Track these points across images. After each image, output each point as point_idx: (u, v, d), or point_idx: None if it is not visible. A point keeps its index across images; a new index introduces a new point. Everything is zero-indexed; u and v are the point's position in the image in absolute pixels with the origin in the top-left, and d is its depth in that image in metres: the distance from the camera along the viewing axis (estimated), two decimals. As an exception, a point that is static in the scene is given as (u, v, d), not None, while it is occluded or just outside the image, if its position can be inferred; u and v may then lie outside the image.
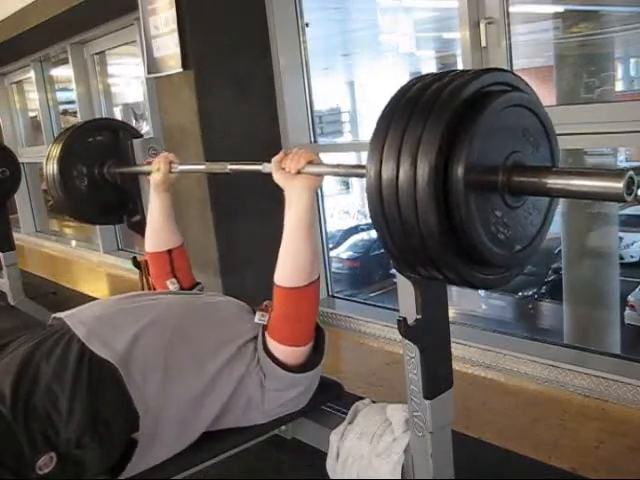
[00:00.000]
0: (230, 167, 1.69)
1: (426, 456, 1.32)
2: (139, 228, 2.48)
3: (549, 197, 1.08)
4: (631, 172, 0.86)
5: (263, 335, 1.50)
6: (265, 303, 1.61)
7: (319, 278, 1.48)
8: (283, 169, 1.44)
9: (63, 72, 4.79)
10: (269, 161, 1.48)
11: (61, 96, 5.11)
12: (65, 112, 5.19)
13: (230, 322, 1.57)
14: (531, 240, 1.09)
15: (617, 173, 0.87)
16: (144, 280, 2.38)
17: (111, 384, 1.35)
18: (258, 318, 1.52)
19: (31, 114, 5.62)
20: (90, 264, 4.82)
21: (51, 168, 2.24)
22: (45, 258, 5.41)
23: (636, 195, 0.86)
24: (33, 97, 5.25)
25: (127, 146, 2.28)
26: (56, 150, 2.25)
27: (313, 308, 1.50)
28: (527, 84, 1.06)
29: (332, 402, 1.71)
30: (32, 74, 4.94)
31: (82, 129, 2.36)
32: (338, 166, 1.37)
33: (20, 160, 3.85)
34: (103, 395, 1.34)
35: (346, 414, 1.56)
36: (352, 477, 1.47)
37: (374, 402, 1.59)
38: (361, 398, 1.62)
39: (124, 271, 4.17)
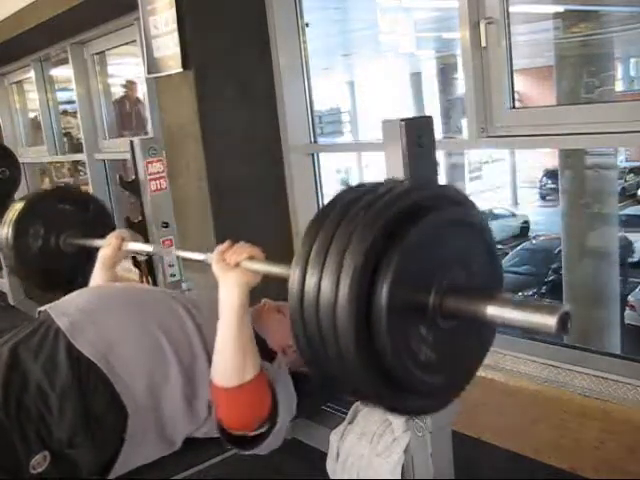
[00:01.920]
0: (176, 252, 1.71)
1: (426, 456, 1.32)
2: (139, 228, 2.48)
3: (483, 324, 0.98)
4: (567, 308, 0.82)
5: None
6: (263, 301, 1.61)
7: (258, 378, 1.38)
8: (224, 260, 1.41)
9: (63, 72, 4.79)
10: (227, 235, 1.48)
11: (61, 96, 5.11)
12: (65, 112, 5.19)
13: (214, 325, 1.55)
14: (468, 363, 1.02)
15: (553, 307, 0.82)
16: (144, 280, 2.39)
17: (100, 383, 1.36)
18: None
19: (31, 114, 5.61)
20: (90, 264, 4.81)
21: (9, 218, 2.21)
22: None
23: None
24: (33, 97, 5.24)
25: (92, 220, 2.29)
26: (21, 204, 2.23)
27: (248, 408, 1.40)
28: (471, 201, 1.00)
29: (332, 402, 1.71)
30: (32, 74, 4.93)
31: (55, 193, 2.39)
32: (278, 266, 1.29)
33: (20, 160, 3.84)
34: (93, 394, 1.35)
35: (346, 414, 1.56)
36: (352, 477, 1.47)
37: (374, 402, 1.59)
38: (361, 398, 1.62)
39: (124, 271, 4.16)
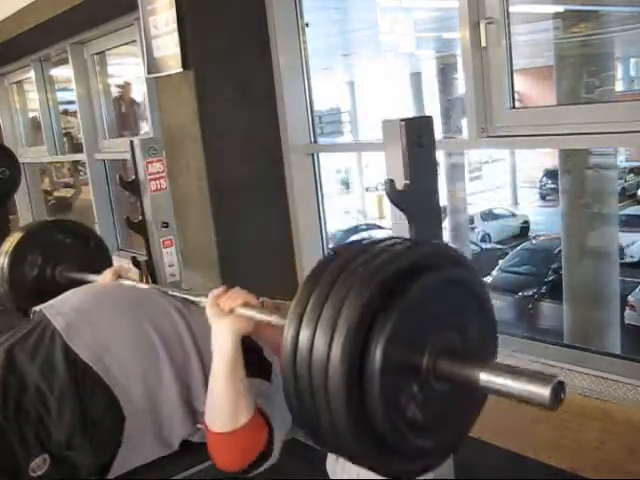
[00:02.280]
0: (172, 293, 1.70)
1: (426, 456, 1.32)
2: (139, 228, 2.48)
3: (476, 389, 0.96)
4: (560, 378, 0.81)
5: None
6: (261, 299, 1.61)
7: (253, 422, 1.35)
8: (218, 305, 1.38)
9: (63, 72, 4.79)
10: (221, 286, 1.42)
11: (61, 96, 5.11)
12: (65, 112, 5.19)
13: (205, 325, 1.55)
14: (461, 425, 1.00)
15: (546, 377, 0.81)
16: (144, 280, 2.39)
17: (97, 386, 1.35)
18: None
19: (31, 114, 5.62)
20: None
21: (9, 243, 2.21)
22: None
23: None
24: (33, 97, 5.24)
25: (90, 256, 2.30)
26: (21, 233, 2.24)
27: (241, 452, 1.38)
28: (469, 261, 1.00)
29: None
30: (32, 74, 4.93)
31: (58, 225, 2.39)
32: (272, 315, 1.27)
33: (20, 160, 3.84)
34: (90, 397, 1.35)
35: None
36: (352, 477, 1.47)
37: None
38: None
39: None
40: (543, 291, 8.81)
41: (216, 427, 1.34)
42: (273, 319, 1.27)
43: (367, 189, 16.14)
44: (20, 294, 2.22)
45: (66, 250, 2.29)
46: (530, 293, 8.88)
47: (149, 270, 2.47)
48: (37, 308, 1.54)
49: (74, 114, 4.79)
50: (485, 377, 0.87)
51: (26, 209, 5.94)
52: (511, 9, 2.07)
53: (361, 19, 6.60)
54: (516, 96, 2.15)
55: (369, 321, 0.84)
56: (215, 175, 2.64)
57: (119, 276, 1.87)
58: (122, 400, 1.35)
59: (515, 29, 2.13)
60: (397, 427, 0.87)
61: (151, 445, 1.42)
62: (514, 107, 2.12)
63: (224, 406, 1.33)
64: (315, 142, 2.95)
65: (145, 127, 4.11)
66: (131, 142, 2.37)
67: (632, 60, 10.26)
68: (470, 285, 0.97)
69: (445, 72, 10.75)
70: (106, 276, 1.88)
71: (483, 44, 2.06)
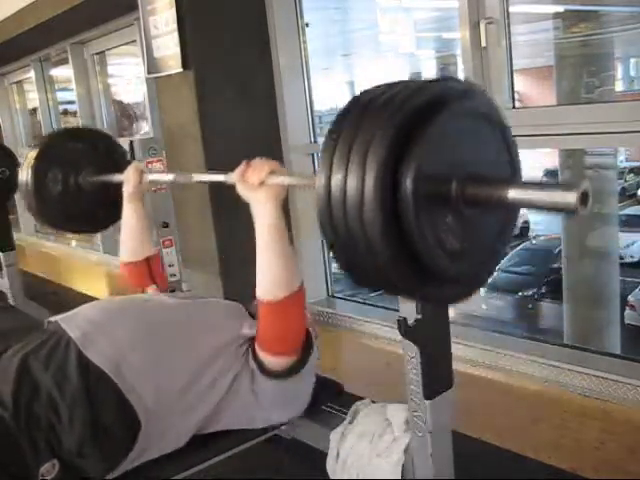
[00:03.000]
0: (196, 178, 1.69)
1: (426, 456, 1.32)
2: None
3: (504, 208, 1.02)
4: (586, 185, 0.85)
5: (253, 345, 1.50)
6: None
7: (301, 288, 1.44)
8: (247, 181, 1.42)
9: (63, 72, 4.80)
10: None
11: (61, 96, 5.11)
12: (65, 112, 5.19)
13: (222, 325, 1.56)
14: (491, 252, 1.04)
15: (572, 184, 0.86)
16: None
17: (110, 393, 1.36)
18: (249, 328, 1.51)
19: (31, 114, 5.62)
20: (90, 264, 4.82)
21: (26, 170, 2.20)
22: (45, 258, 5.41)
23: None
24: (33, 97, 5.25)
25: (104, 156, 2.24)
26: (34, 153, 2.22)
27: (296, 319, 1.46)
28: (484, 93, 1.03)
29: (332, 402, 1.71)
30: (32, 74, 4.94)
31: (62, 135, 2.35)
32: (300, 175, 1.33)
33: (20, 160, 3.83)
34: (102, 404, 1.35)
35: (346, 414, 1.56)
36: (352, 477, 1.47)
37: (374, 402, 1.59)
38: (361, 398, 1.62)
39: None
40: (543, 291, 8.81)
41: (273, 296, 1.39)
42: (303, 180, 1.34)
43: (367, 189, 16.13)
44: (49, 206, 2.20)
45: (83, 157, 2.24)
46: (530, 293, 8.88)
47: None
48: (52, 319, 1.54)
49: (74, 114, 4.79)
50: (513, 193, 0.91)
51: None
52: (511, 9, 2.07)
53: (361, 19, 6.61)
54: (516, 96, 2.15)
55: (395, 160, 0.87)
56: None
57: (141, 172, 1.87)
58: (138, 408, 1.36)
59: (515, 29, 2.13)
60: (433, 251, 0.91)
61: (157, 448, 1.42)
62: (514, 107, 2.13)
63: (281, 272, 1.39)
64: (315, 142, 2.95)
65: (145, 128, 4.11)
66: (131, 142, 2.37)
67: (632, 60, 10.27)
68: (486, 114, 0.99)
69: (445, 72, 10.75)
70: (129, 173, 1.87)
71: (483, 44, 2.06)
